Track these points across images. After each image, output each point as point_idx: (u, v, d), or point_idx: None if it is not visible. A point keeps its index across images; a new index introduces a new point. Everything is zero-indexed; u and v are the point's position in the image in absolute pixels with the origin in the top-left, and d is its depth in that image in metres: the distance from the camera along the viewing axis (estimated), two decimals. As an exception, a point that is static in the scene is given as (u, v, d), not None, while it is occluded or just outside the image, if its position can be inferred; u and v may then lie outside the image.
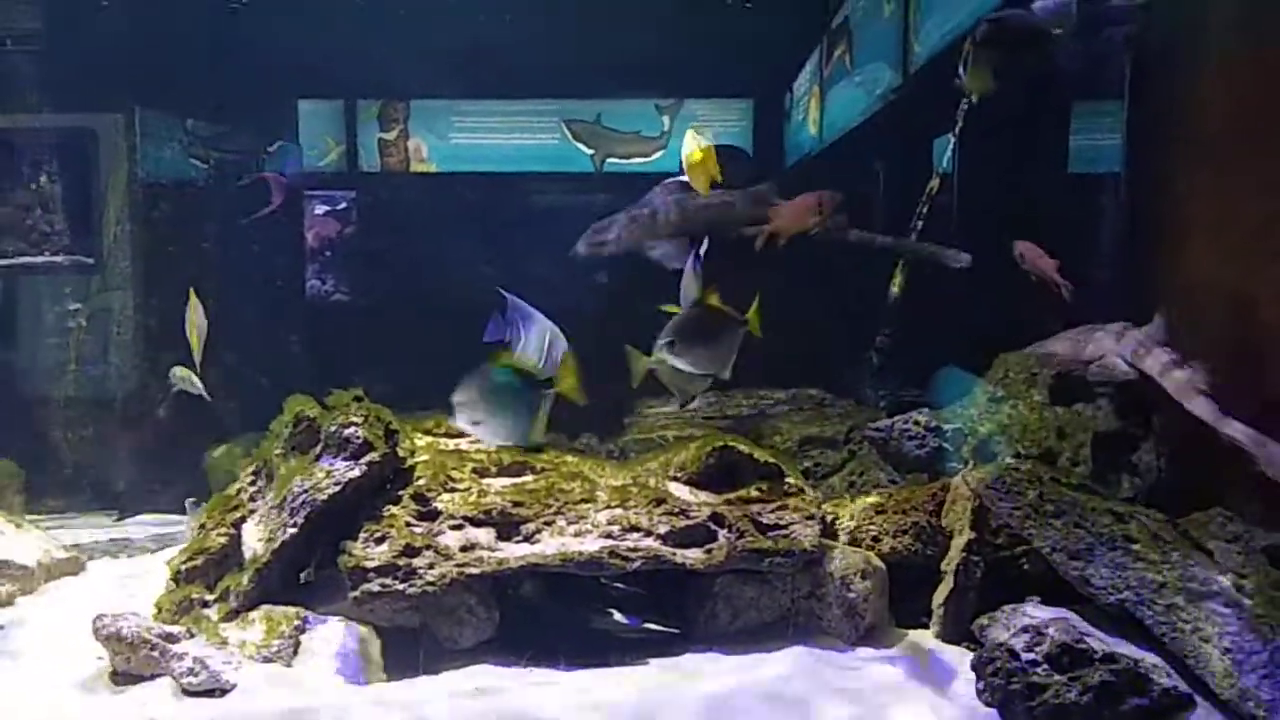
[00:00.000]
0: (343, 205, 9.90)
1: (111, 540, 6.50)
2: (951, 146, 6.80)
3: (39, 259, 8.05)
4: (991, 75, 5.23)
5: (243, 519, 4.73)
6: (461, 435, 5.19)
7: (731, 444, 4.95)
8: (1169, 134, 5.56)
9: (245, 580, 4.40)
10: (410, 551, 4.26)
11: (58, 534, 6.40)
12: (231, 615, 4.32)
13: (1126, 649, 3.80)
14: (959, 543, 4.58)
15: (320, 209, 9.87)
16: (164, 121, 8.37)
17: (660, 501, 4.56)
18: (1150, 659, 3.75)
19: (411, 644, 4.29)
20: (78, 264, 8.10)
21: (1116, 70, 5.86)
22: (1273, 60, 4.76)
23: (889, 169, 8.15)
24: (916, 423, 5.36)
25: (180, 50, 8.44)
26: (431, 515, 4.48)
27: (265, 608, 4.35)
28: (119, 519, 7.40)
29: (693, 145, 5.49)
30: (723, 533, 4.49)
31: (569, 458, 5.01)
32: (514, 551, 4.36)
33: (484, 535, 4.42)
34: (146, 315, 7.99)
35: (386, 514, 4.42)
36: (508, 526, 4.46)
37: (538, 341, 5.24)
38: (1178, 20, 5.46)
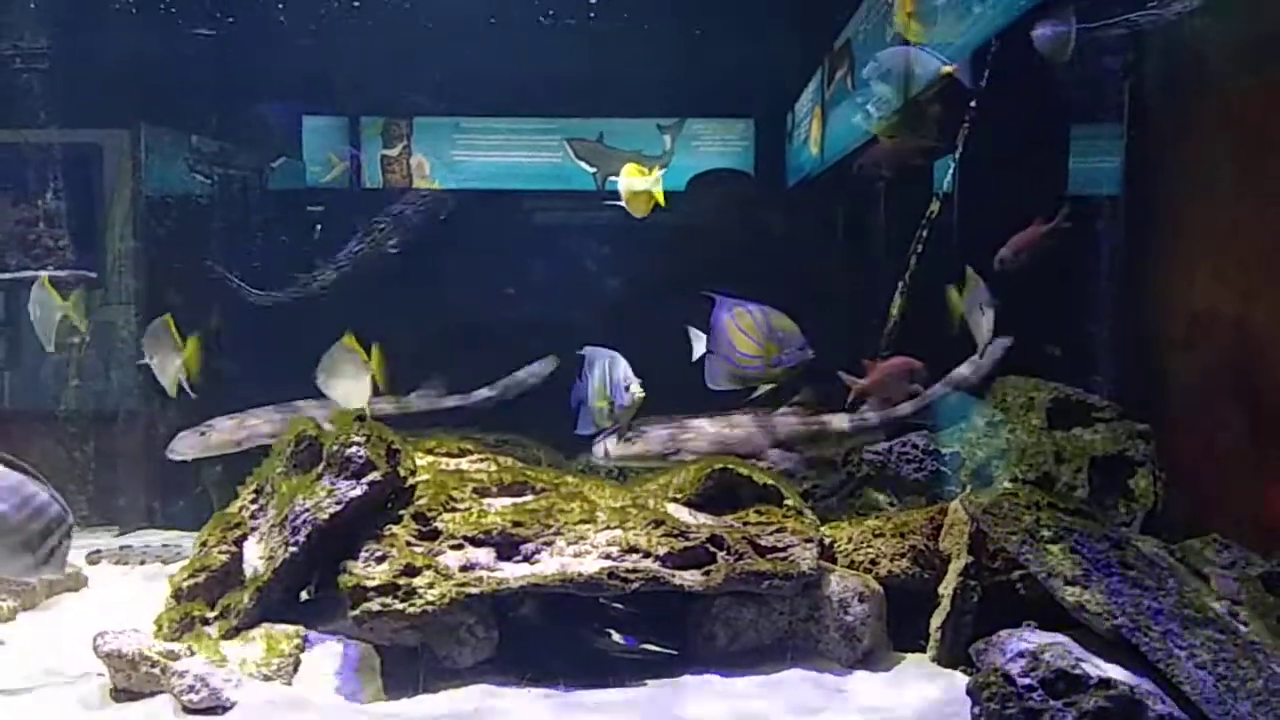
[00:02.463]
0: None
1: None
2: (952, 169, 6.84)
3: (42, 273, 8.07)
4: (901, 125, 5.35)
5: (244, 537, 4.75)
6: (463, 455, 5.22)
7: (730, 466, 4.98)
8: (1168, 159, 5.61)
9: (246, 598, 4.42)
10: (410, 571, 4.27)
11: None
12: (232, 633, 4.34)
13: (1122, 675, 3.81)
14: (956, 567, 4.61)
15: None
16: (169, 137, 8.40)
17: (659, 523, 4.58)
18: (1146, 685, 3.76)
19: (411, 663, 4.31)
20: (81, 279, 8.11)
21: (1115, 96, 5.91)
22: (1272, 87, 4.80)
23: (890, 190, 8.19)
24: (915, 446, 5.38)
25: (185, 67, 8.49)
26: (432, 535, 4.49)
27: (266, 626, 4.37)
28: (119, 534, 7.42)
29: (631, 181, 5.66)
30: (721, 555, 4.51)
31: (569, 478, 5.03)
32: (514, 572, 4.38)
33: (484, 555, 4.43)
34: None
35: (387, 533, 4.44)
36: (508, 546, 4.48)
37: (599, 377, 5.25)
38: (1176, 48, 5.51)
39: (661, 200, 5.78)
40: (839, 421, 5.70)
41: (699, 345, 5.33)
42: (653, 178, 6.04)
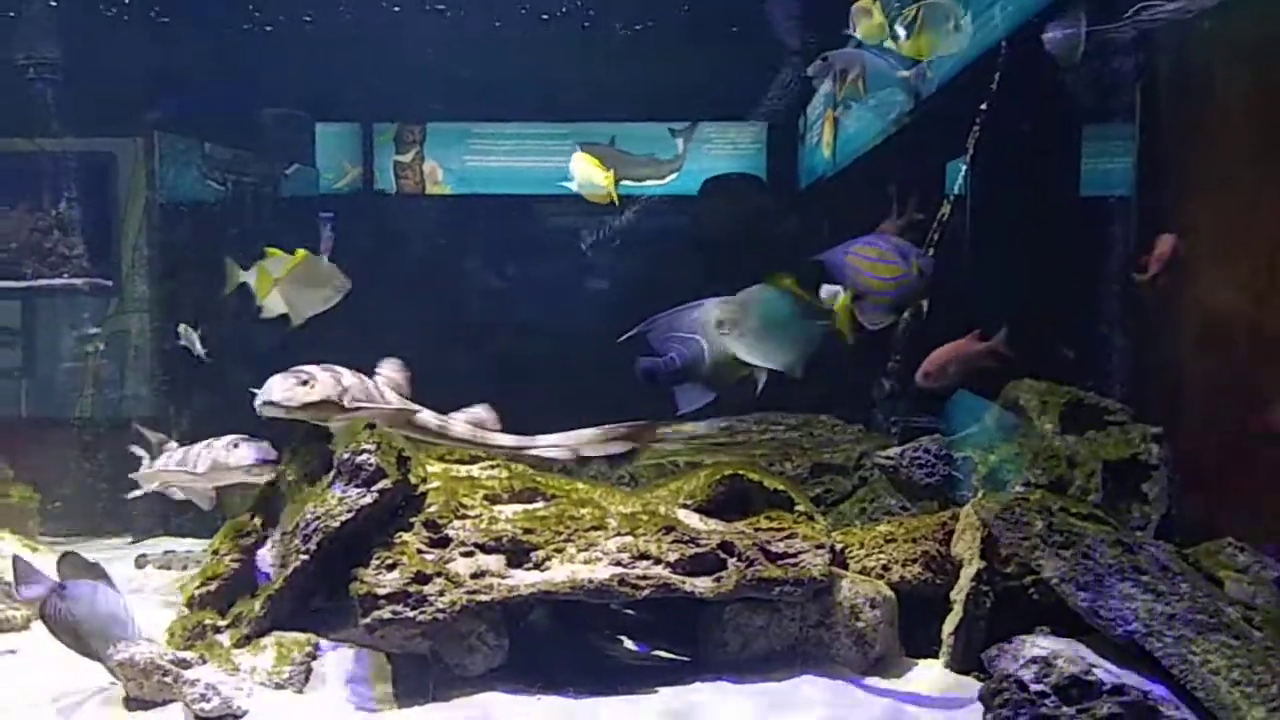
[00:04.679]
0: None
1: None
2: (964, 171, 6.82)
3: (57, 281, 8.12)
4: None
5: (256, 544, 4.77)
6: (473, 462, 5.22)
7: (741, 472, 4.97)
8: (1180, 160, 5.58)
9: (257, 606, 4.44)
10: (421, 578, 4.26)
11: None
12: (243, 641, 4.36)
13: (1136, 681, 3.79)
14: (968, 572, 4.59)
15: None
16: (182, 145, 8.44)
17: (670, 529, 4.57)
18: (1159, 691, 3.74)
19: (422, 671, 4.31)
20: (96, 286, 8.17)
21: (1126, 98, 5.88)
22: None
23: (902, 192, 8.17)
24: (927, 450, 5.34)
25: (199, 76, 8.53)
26: (443, 542, 4.49)
27: (277, 634, 4.38)
28: (132, 542, 7.46)
29: (584, 168, 5.66)
30: (732, 561, 4.50)
31: (580, 484, 5.02)
32: (524, 579, 4.37)
33: (495, 562, 4.43)
34: (163, 338, 8.04)
35: (398, 541, 4.43)
36: (518, 553, 4.47)
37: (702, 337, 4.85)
38: (1188, 49, 5.48)
39: (615, 198, 5.83)
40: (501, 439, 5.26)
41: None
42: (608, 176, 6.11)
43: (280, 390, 4.52)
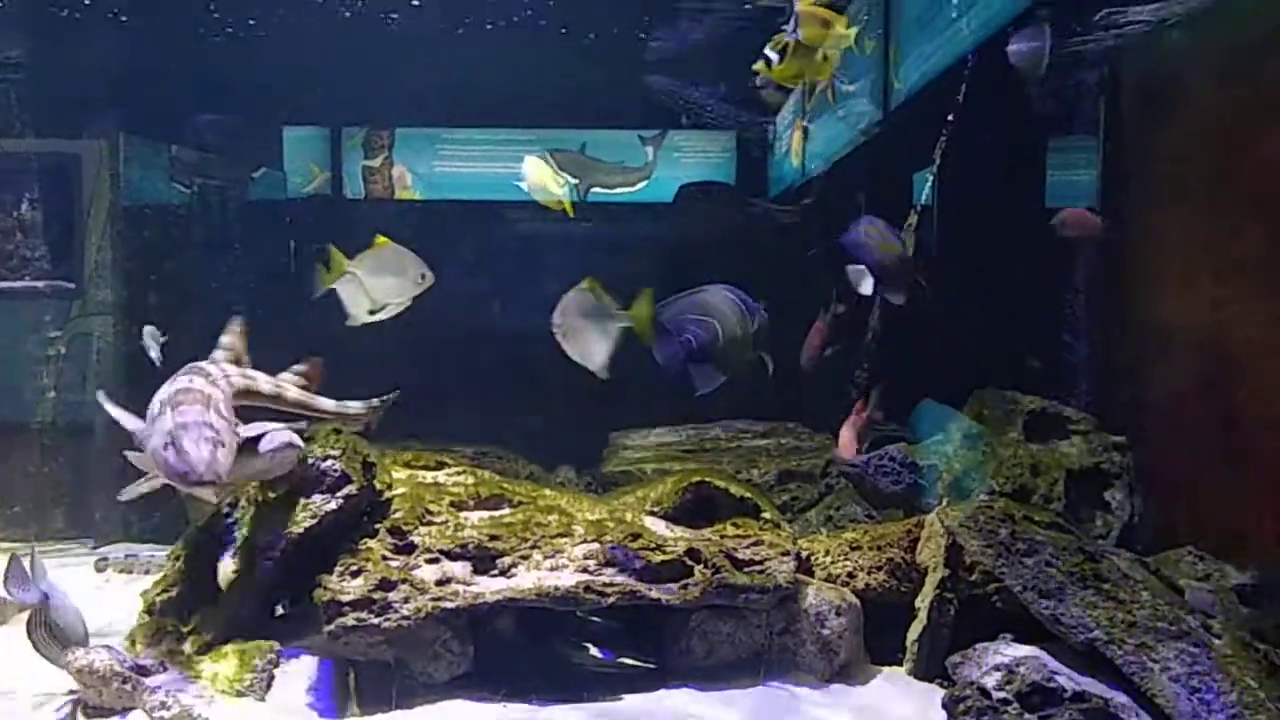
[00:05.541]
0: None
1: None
2: (931, 181, 6.87)
3: (19, 284, 8.03)
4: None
5: (218, 550, 4.71)
6: (440, 468, 5.20)
7: (708, 479, 4.97)
8: (1142, 171, 5.64)
9: (219, 613, 4.39)
10: (386, 585, 4.24)
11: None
12: (205, 648, 4.31)
13: (1097, 688, 3.82)
14: (933, 580, 4.61)
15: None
16: (148, 147, 8.36)
17: (636, 536, 4.56)
18: (1120, 698, 3.78)
19: (386, 678, 4.28)
20: (58, 289, 8.07)
21: (1090, 109, 5.94)
22: (1245, 100, 4.84)
23: (869, 202, 8.22)
24: (892, 458, 5.38)
25: (166, 78, 8.47)
26: (408, 548, 4.47)
27: (239, 641, 4.33)
28: (94, 547, 7.37)
29: (535, 171, 5.71)
30: (698, 568, 4.50)
31: (547, 491, 5.01)
32: (490, 585, 4.36)
33: (460, 569, 4.41)
34: (127, 341, 7.95)
35: (363, 547, 4.41)
36: (484, 560, 4.46)
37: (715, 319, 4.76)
38: (1151, 61, 5.54)
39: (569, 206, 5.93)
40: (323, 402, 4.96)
41: (868, 280, 5.05)
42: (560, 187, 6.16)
43: (203, 465, 3.77)
